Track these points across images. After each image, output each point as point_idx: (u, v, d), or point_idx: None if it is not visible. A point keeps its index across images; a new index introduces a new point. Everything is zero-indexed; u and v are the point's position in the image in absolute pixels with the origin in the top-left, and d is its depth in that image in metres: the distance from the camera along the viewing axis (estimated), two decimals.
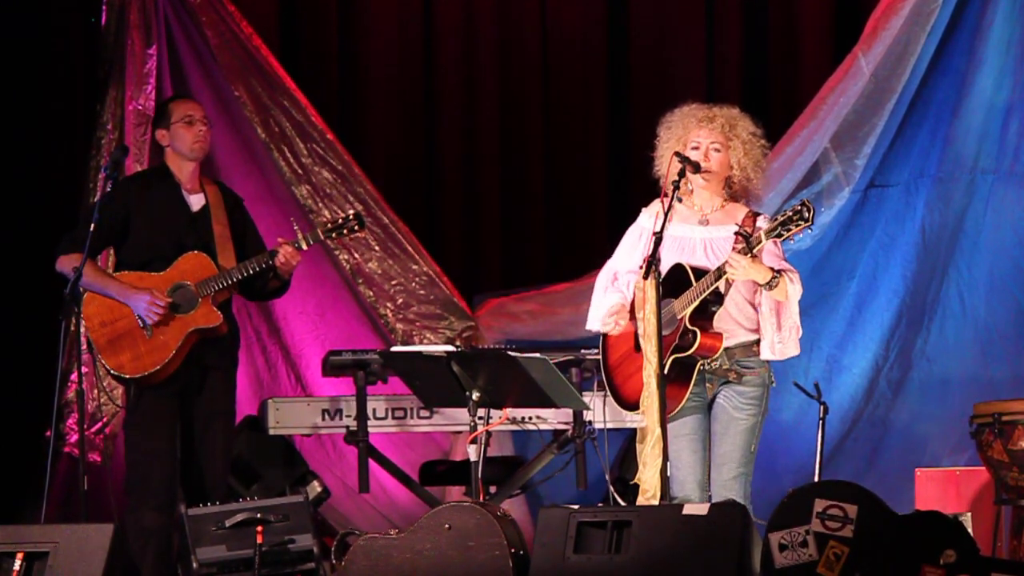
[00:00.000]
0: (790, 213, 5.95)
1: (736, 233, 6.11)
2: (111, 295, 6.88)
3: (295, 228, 7.02)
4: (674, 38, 9.68)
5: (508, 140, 9.71)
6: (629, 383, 6.28)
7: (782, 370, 6.49)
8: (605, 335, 6.42)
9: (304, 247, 7.00)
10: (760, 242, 6.02)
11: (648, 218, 6.33)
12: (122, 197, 7.04)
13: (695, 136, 6.28)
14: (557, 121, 9.73)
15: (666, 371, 6.05)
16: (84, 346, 8.34)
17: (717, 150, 6.27)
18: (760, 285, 6.10)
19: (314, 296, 8.93)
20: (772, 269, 6.09)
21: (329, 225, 7.09)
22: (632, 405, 6.26)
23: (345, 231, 7.07)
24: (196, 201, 7.06)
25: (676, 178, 6.17)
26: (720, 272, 6.06)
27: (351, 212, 7.21)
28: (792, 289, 6.15)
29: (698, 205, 6.34)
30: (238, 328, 7.17)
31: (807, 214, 5.93)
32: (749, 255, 6.01)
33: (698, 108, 6.35)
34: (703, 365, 6.19)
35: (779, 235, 5.97)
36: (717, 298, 6.14)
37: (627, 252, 6.39)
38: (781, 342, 6.19)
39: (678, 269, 6.17)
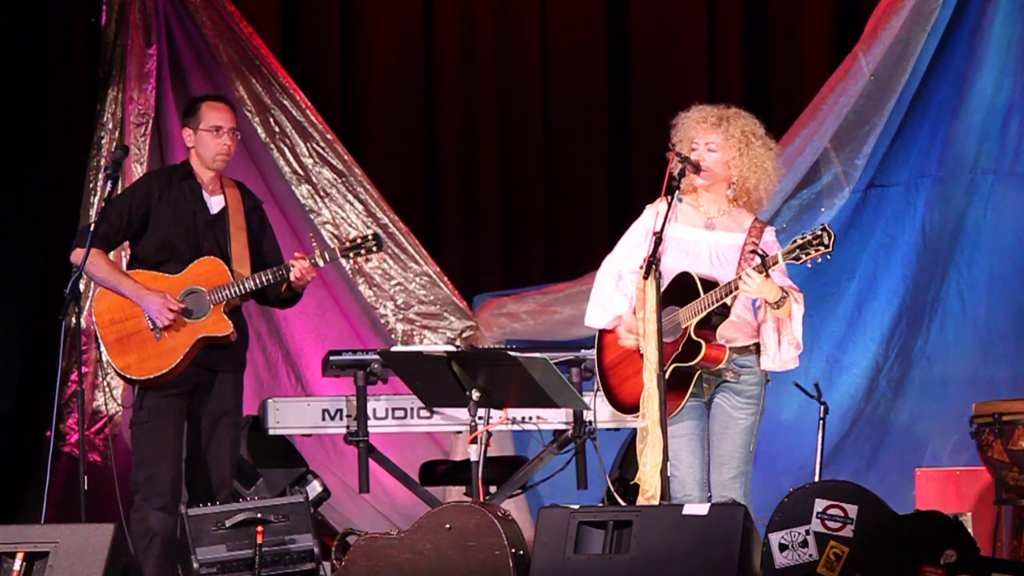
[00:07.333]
0: (809, 237, 5.93)
1: (752, 252, 6.10)
2: (124, 293, 6.84)
3: (313, 244, 7.01)
4: (675, 37, 9.67)
5: (508, 140, 9.70)
6: (626, 386, 6.27)
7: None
8: (601, 333, 6.42)
9: (321, 264, 6.94)
10: (776, 263, 6.00)
11: (652, 216, 6.29)
12: (145, 191, 6.98)
13: (694, 138, 6.28)
14: (557, 121, 9.72)
15: (666, 379, 6.04)
16: (85, 341, 8.35)
17: (712, 150, 6.26)
18: (768, 303, 6.10)
19: (314, 296, 8.91)
20: (781, 288, 6.09)
21: (348, 244, 7.01)
22: (627, 408, 6.25)
23: (363, 251, 7.01)
24: (216, 203, 7.01)
25: (676, 176, 6.16)
26: (731, 287, 6.05)
27: (370, 232, 7.08)
28: (796, 309, 6.13)
29: (703, 208, 6.33)
30: (248, 331, 7.13)
31: (827, 240, 5.90)
32: (764, 274, 6.00)
33: (698, 110, 6.33)
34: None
35: (796, 258, 5.96)
36: (723, 310, 6.13)
37: (631, 250, 6.34)
38: (781, 356, 6.19)
39: (685, 277, 6.15)
